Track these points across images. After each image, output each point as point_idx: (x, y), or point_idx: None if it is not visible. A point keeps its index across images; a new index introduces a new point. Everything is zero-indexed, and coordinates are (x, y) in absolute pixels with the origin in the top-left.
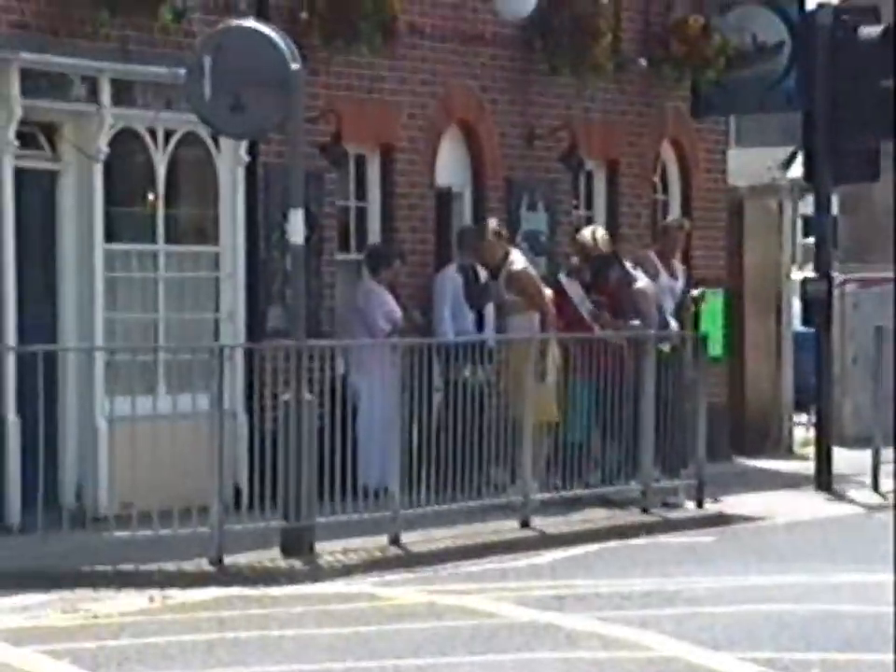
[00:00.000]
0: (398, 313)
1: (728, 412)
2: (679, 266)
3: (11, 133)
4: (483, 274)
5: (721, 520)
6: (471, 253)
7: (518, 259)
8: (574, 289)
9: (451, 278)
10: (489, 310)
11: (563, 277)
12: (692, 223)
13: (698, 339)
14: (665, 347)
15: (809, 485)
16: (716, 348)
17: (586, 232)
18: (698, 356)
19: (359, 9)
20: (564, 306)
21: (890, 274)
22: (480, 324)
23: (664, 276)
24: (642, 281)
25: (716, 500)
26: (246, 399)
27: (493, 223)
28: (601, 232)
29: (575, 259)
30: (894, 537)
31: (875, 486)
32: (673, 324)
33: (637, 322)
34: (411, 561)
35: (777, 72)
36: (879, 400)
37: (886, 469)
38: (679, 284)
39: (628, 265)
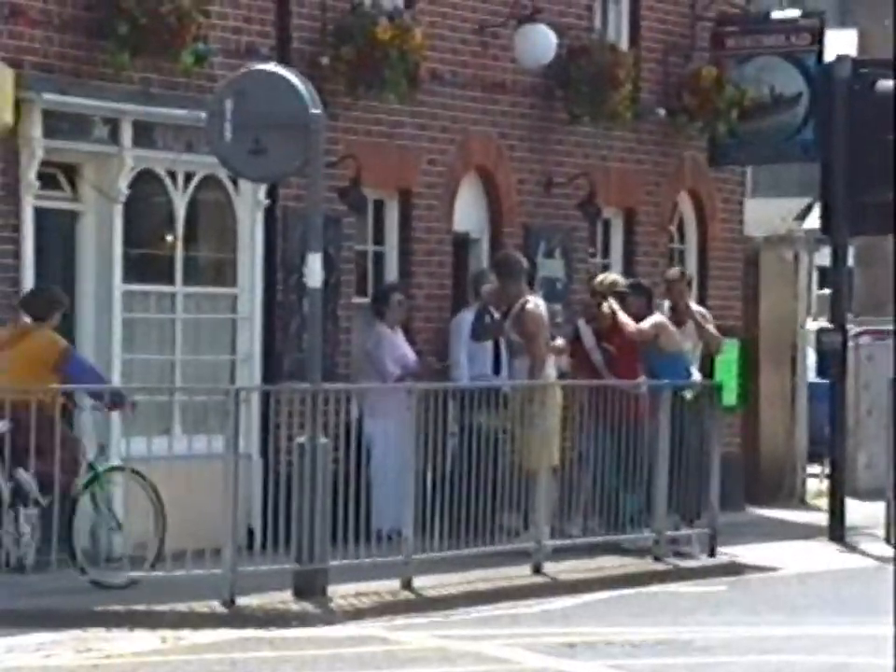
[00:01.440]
0: (409, 356)
1: (742, 461)
2: (704, 330)
3: (33, 174)
4: (496, 316)
5: (734, 569)
6: (486, 292)
7: (532, 300)
8: (588, 336)
9: (467, 322)
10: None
11: (580, 323)
12: (693, 274)
13: (713, 388)
14: (689, 395)
15: (822, 536)
16: (731, 397)
17: (599, 277)
18: (713, 405)
19: (385, 57)
20: (578, 352)
21: None
22: (497, 367)
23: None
24: (654, 319)
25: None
26: (261, 441)
27: (518, 257)
28: (611, 278)
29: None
30: (894, 588)
31: (888, 538)
32: (696, 375)
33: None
34: (423, 605)
35: (794, 123)
36: (893, 452)
37: None
38: (691, 334)
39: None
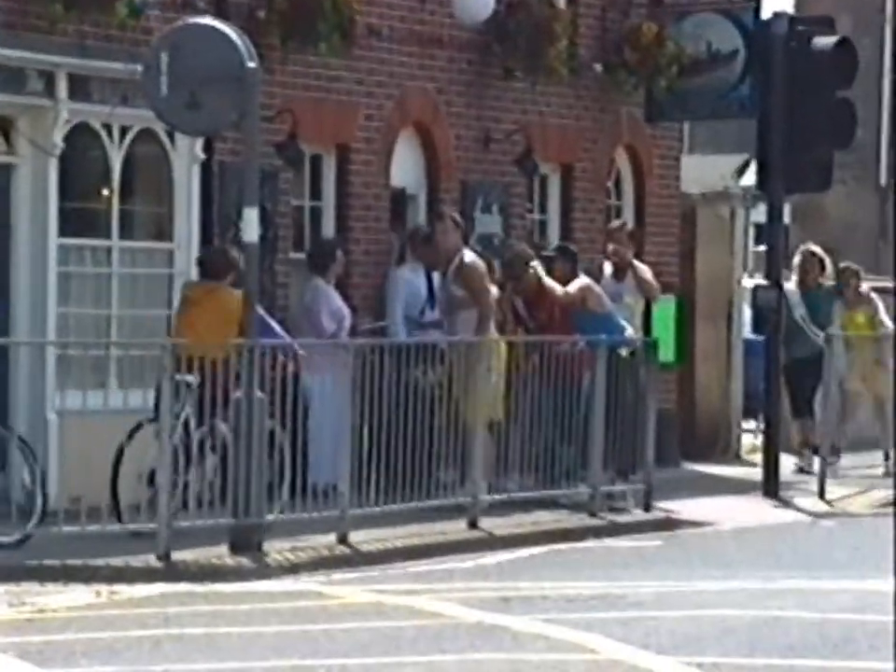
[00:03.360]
0: (344, 311)
1: (678, 417)
2: (639, 271)
3: None
4: (435, 277)
5: (668, 524)
6: (424, 251)
7: (468, 254)
8: (518, 304)
9: (403, 278)
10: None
11: (510, 293)
12: (640, 229)
13: (649, 344)
14: (624, 352)
15: (756, 492)
16: (667, 354)
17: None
18: (649, 361)
19: (318, 9)
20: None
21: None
22: (431, 301)
23: (608, 281)
24: (579, 283)
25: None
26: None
27: (450, 212)
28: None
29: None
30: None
31: (822, 494)
32: (630, 330)
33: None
34: (359, 560)
35: (731, 80)
36: (826, 408)
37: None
38: (631, 288)
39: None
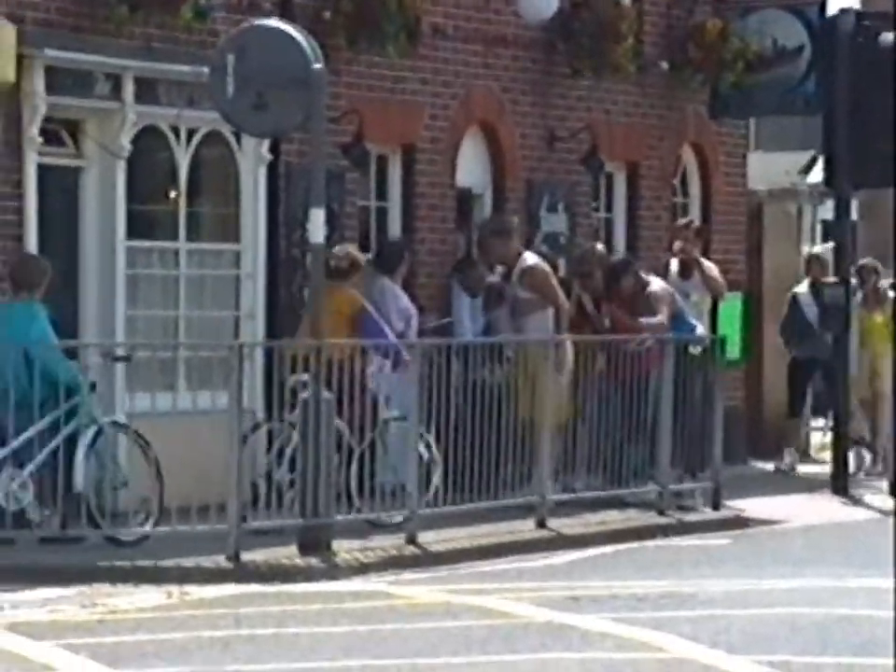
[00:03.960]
0: (412, 310)
1: (745, 415)
2: (706, 268)
3: (35, 130)
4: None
5: (737, 523)
6: (469, 275)
7: (530, 256)
8: (586, 300)
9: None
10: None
11: (576, 288)
12: (707, 227)
13: (717, 342)
14: (696, 350)
15: (826, 489)
16: (734, 351)
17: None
18: (717, 359)
19: (384, 10)
20: (577, 316)
21: None
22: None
23: (675, 279)
24: (655, 284)
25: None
26: (266, 397)
27: (510, 220)
28: (595, 246)
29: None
30: (894, 542)
31: (893, 491)
32: (700, 328)
33: (655, 320)
34: (427, 560)
35: (796, 76)
36: (895, 406)
37: None
38: (698, 285)
39: (641, 271)
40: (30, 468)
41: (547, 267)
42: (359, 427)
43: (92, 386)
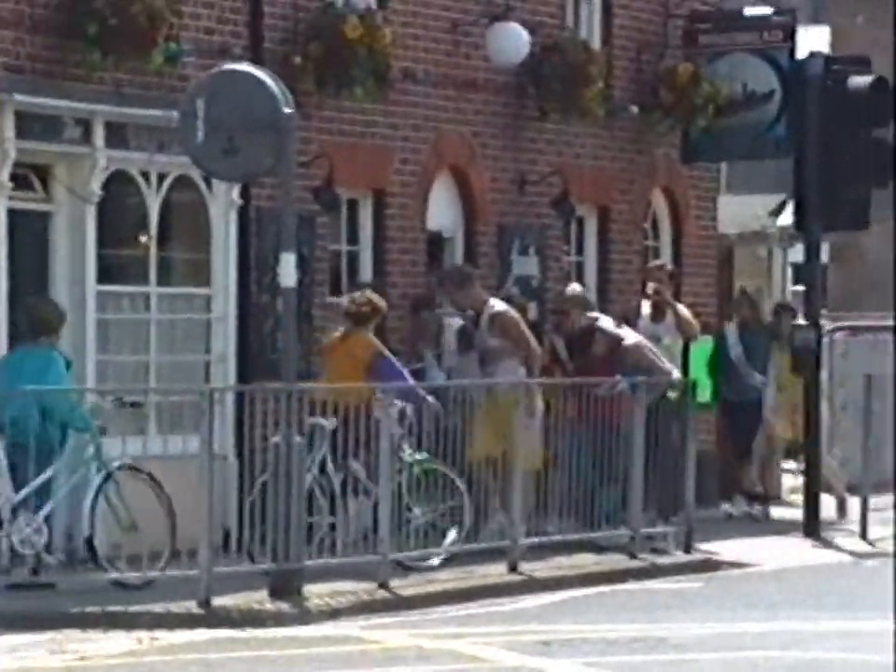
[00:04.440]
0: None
1: (717, 457)
2: (679, 311)
3: (5, 175)
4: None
5: (709, 566)
6: (449, 298)
7: (497, 303)
8: (560, 347)
9: (439, 322)
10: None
11: (552, 336)
12: (678, 270)
13: (688, 385)
14: (673, 394)
15: (797, 532)
16: (705, 395)
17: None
18: (689, 402)
19: (353, 55)
20: (550, 364)
21: (881, 322)
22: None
23: (646, 322)
24: (630, 338)
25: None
26: (237, 441)
27: (467, 268)
28: (573, 288)
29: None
30: (894, 584)
31: (863, 534)
32: (676, 373)
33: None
34: (399, 605)
35: (766, 120)
36: (868, 448)
37: (876, 517)
38: (670, 328)
39: (611, 325)
40: (44, 512)
41: (515, 313)
42: (375, 470)
43: (102, 431)
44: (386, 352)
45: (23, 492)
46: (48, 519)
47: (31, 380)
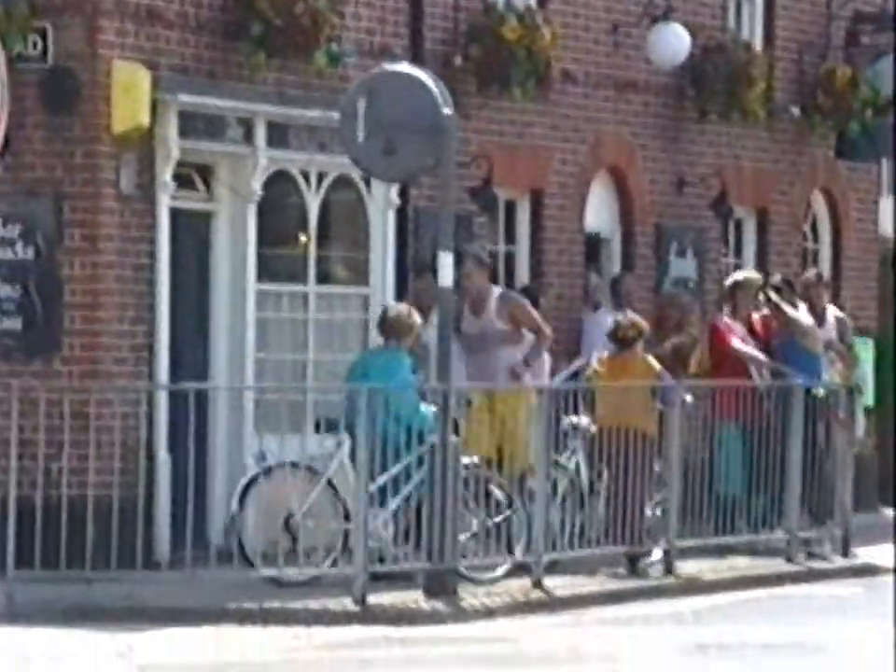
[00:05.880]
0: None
1: (876, 461)
2: (831, 316)
3: (168, 174)
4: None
5: (868, 571)
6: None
7: (505, 290)
8: (739, 329)
9: (596, 322)
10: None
11: (725, 318)
12: (838, 273)
13: (849, 388)
14: (820, 392)
15: None
16: (867, 398)
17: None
18: (853, 405)
19: (513, 56)
20: (716, 350)
21: None
22: None
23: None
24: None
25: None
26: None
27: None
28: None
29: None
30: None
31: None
32: (825, 375)
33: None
34: (554, 605)
35: None
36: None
37: None
38: (831, 334)
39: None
40: (392, 505)
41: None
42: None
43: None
44: (665, 373)
45: (379, 480)
46: (395, 513)
47: (378, 379)
